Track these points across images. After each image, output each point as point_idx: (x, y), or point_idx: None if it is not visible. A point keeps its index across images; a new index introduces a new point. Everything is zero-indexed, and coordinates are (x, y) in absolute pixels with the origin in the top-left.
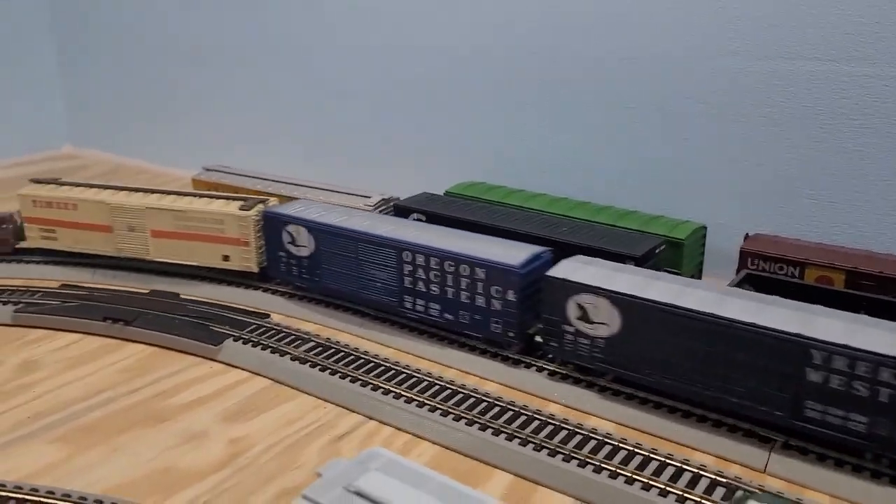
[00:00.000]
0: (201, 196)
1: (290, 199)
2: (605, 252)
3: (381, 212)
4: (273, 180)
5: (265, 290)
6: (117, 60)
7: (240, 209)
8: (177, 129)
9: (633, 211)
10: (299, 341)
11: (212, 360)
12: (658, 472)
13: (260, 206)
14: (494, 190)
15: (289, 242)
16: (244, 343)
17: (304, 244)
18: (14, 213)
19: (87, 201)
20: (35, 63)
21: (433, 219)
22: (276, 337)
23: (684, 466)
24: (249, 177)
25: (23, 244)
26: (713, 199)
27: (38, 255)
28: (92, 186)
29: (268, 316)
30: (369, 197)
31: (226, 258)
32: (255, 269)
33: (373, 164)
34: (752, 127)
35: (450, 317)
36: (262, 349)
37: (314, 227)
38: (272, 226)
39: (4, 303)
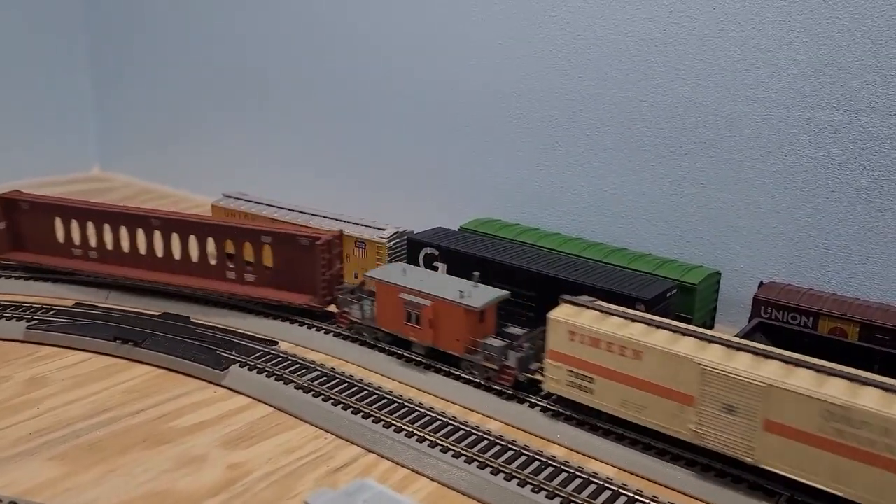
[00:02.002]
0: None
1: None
2: (615, 294)
3: (394, 245)
4: (290, 209)
5: (275, 318)
6: (147, 88)
7: None
8: (200, 155)
9: (646, 254)
10: (304, 370)
11: (216, 384)
12: None
13: None
14: (509, 227)
15: None
16: (249, 369)
17: None
18: None
19: (656, 350)
20: (71, 88)
21: (445, 254)
22: (282, 365)
23: None
24: (267, 205)
25: (545, 389)
26: (728, 244)
27: (53, 274)
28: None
29: (276, 343)
30: (384, 229)
31: None
32: None
33: (391, 196)
34: (768, 174)
35: None
36: (267, 376)
37: None
38: None
39: (18, 319)
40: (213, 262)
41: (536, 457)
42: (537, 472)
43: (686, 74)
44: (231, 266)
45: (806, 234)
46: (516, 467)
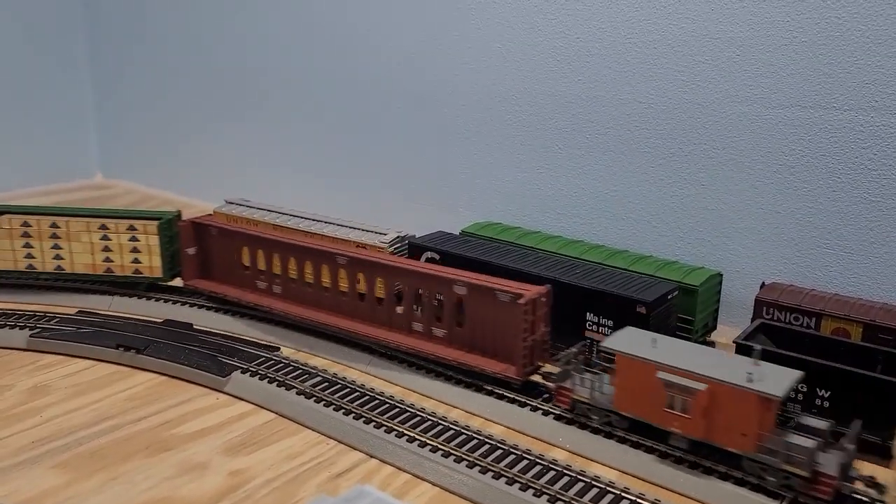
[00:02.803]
0: None
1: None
2: (616, 297)
3: (396, 249)
4: (291, 215)
5: (277, 324)
6: (148, 95)
7: None
8: (202, 161)
9: (647, 256)
10: (306, 376)
11: (219, 391)
12: None
13: None
14: (510, 230)
15: None
16: (251, 375)
17: None
18: None
19: None
20: (73, 96)
21: (447, 258)
22: (284, 371)
23: None
24: (269, 210)
25: None
26: (730, 245)
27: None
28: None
29: (278, 349)
30: (385, 234)
31: None
32: None
33: (392, 200)
34: (769, 175)
35: None
36: (269, 382)
37: None
38: None
39: (21, 327)
40: (399, 310)
41: (538, 461)
42: (539, 476)
43: (685, 76)
44: (419, 316)
45: (807, 234)
46: (518, 471)
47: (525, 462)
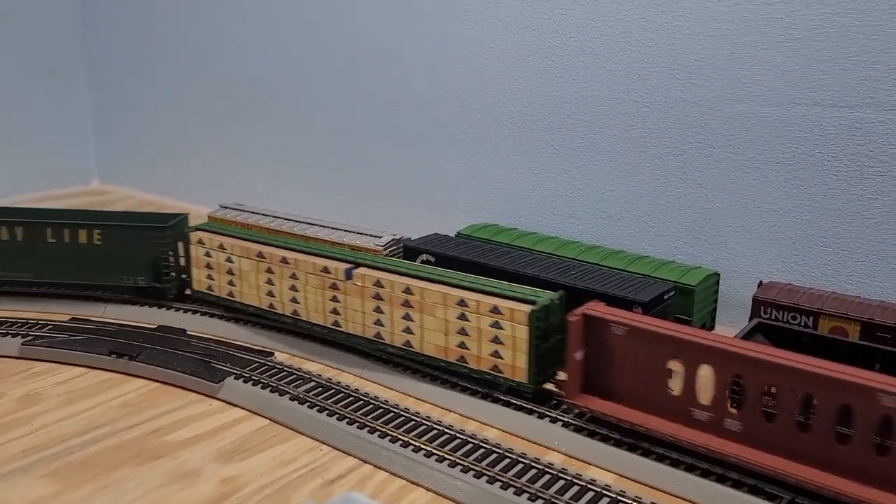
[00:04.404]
0: None
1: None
2: (613, 297)
3: (391, 252)
4: (285, 218)
5: (271, 329)
6: (145, 101)
7: None
8: (198, 167)
9: (644, 256)
10: (300, 381)
11: (212, 397)
12: None
13: None
14: (506, 232)
15: None
16: (245, 381)
17: None
18: None
19: None
20: (69, 101)
21: (442, 260)
22: (278, 376)
23: None
24: (263, 215)
25: None
26: (727, 245)
27: (50, 288)
28: None
29: (272, 354)
30: (380, 237)
31: None
32: None
33: (387, 204)
34: (765, 173)
35: None
36: (262, 388)
37: None
38: None
39: (14, 335)
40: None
41: (534, 464)
42: (534, 479)
43: (680, 74)
44: None
45: (804, 232)
46: (513, 475)
47: (520, 466)
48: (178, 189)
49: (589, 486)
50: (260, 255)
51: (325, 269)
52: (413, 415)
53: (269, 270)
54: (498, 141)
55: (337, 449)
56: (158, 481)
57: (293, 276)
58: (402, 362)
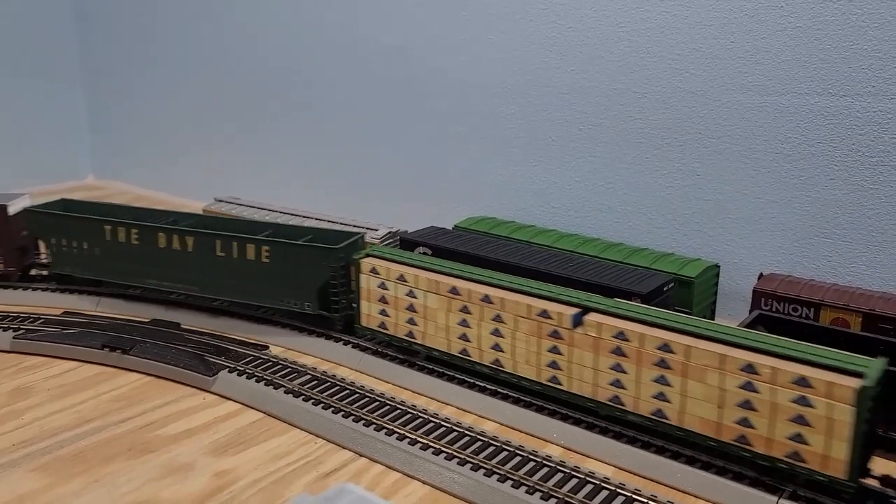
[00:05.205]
0: None
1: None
2: (612, 289)
3: (388, 244)
4: (281, 212)
5: (266, 323)
6: (140, 96)
7: None
8: (194, 161)
9: (643, 248)
10: (295, 374)
11: (206, 391)
12: None
13: None
14: (504, 225)
15: None
16: (239, 374)
17: None
18: None
19: None
20: (64, 97)
21: (439, 253)
22: (272, 369)
23: None
24: (258, 208)
25: None
26: (726, 236)
27: (42, 283)
28: None
29: (266, 347)
30: (377, 230)
31: None
32: None
33: (384, 196)
34: (765, 163)
35: None
36: (256, 381)
37: None
38: None
39: (5, 329)
40: None
41: (531, 457)
42: (532, 472)
43: (679, 64)
44: None
45: (805, 223)
46: (510, 468)
47: (518, 458)
48: (173, 184)
49: (588, 478)
50: (454, 290)
51: (545, 314)
52: (409, 408)
53: (465, 310)
54: (496, 133)
55: (332, 442)
56: (151, 475)
57: (497, 319)
58: (394, 355)
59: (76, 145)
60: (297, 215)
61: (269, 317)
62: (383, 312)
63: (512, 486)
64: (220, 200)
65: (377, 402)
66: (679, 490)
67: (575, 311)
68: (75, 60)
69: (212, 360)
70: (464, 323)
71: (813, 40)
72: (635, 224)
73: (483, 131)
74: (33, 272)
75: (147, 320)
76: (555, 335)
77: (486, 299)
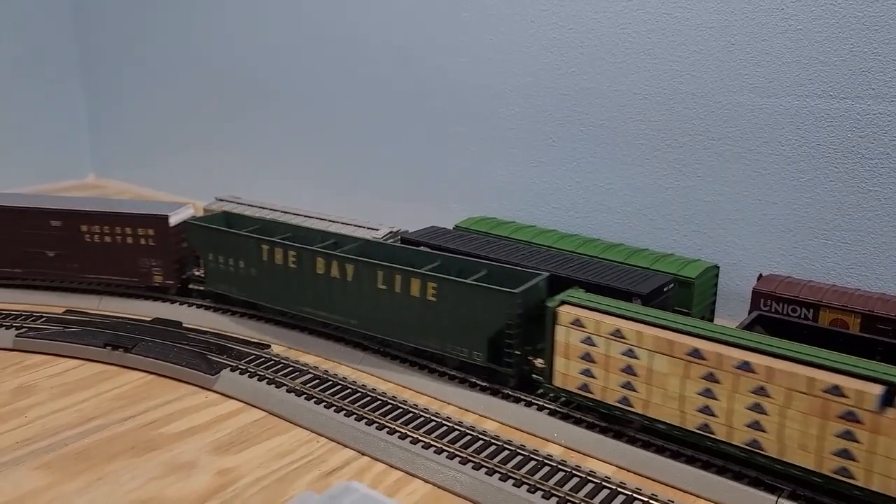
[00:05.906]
0: None
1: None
2: (612, 289)
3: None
4: (283, 211)
5: (267, 321)
6: (140, 95)
7: None
8: (194, 160)
9: (643, 249)
10: (297, 373)
11: (208, 389)
12: None
13: None
14: (504, 225)
15: None
16: (241, 373)
17: None
18: None
19: None
20: (63, 96)
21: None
22: (274, 368)
23: None
24: (259, 207)
25: None
26: (726, 237)
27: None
28: None
29: (268, 346)
30: (377, 229)
31: None
32: None
33: (385, 196)
34: (765, 165)
35: None
36: (259, 380)
37: None
38: None
39: (7, 327)
40: None
41: (532, 456)
42: (533, 471)
43: (680, 65)
44: None
45: (804, 225)
46: (512, 467)
47: (519, 458)
48: (173, 182)
49: (589, 477)
50: (696, 354)
51: (835, 390)
52: (411, 407)
53: (711, 377)
54: (497, 133)
55: (334, 441)
56: (154, 473)
57: (759, 392)
58: (396, 354)
59: (77, 144)
60: (298, 214)
61: (423, 361)
62: (587, 372)
63: (513, 484)
64: (222, 200)
65: (379, 402)
66: (679, 489)
67: (881, 388)
68: (75, 60)
69: (214, 358)
70: (707, 393)
71: (813, 43)
72: (635, 225)
73: (483, 132)
74: (191, 286)
75: (149, 319)
76: (849, 417)
77: (745, 366)
